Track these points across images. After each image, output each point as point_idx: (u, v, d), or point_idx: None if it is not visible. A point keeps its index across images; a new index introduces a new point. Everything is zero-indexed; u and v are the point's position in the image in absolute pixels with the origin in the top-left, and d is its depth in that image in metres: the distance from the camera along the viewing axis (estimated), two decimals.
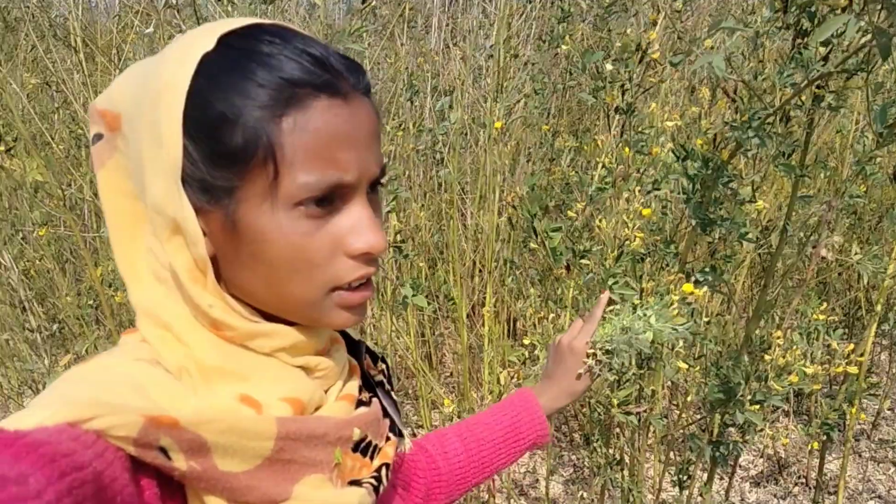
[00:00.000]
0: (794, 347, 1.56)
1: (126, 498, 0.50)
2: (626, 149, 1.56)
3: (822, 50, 1.24)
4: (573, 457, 3.44)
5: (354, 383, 0.71)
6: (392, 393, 0.80)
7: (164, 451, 0.52)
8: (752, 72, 1.34)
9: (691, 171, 1.48)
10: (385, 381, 0.80)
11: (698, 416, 1.90)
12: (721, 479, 3.29)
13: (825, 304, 1.75)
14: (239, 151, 0.57)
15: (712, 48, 1.45)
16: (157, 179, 0.58)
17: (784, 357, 1.56)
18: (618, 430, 2.19)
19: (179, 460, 0.52)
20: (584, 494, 3.16)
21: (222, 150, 0.57)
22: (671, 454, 2.78)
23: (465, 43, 3.47)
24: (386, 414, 0.74)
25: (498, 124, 2.29)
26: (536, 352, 1.81)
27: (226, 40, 0.59)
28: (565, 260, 1.66)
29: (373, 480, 0.66)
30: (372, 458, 0.68)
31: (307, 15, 2.94)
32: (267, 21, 0.61)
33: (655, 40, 1.60)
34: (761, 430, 1.70)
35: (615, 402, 1.60)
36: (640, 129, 1.55)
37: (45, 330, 2.98)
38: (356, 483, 0.65)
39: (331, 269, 0.62)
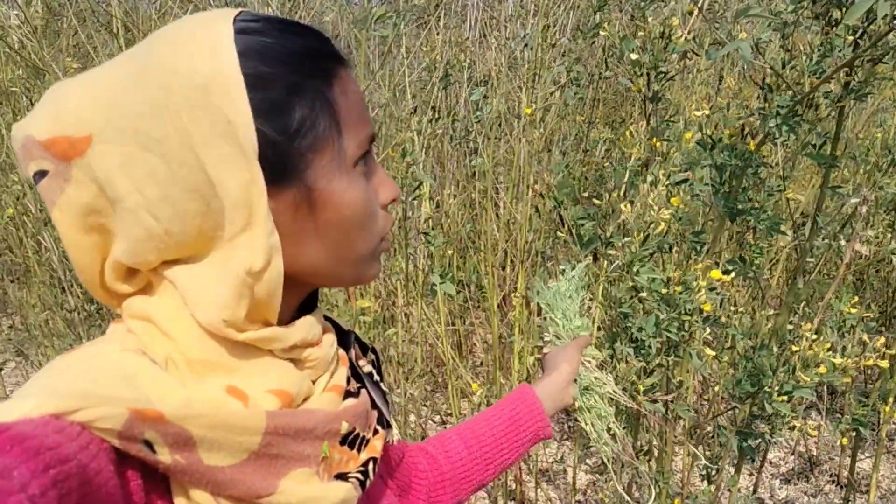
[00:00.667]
0: (822, 339, 1.55)
1: (110, 490, 0.50)
2: (654, 139, 1.56)
3: (850, 38, 1.23)
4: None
5: (343, 373, 0.71)
6: (381, 384, 0.79)
7: (148, 444, 0.51)
8: (781, 61, 1.33)
9: (719, 160, 1.47)
10: (374, 371, 0.79)
11: (726, 408, 1.90)
12: (751, 474, 3.27)
13: (857, 298, 1.73)
14: (308, 124, 0.59)
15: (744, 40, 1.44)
16: (233, 174, 0.56)
17: (811, 348, 1.55)
18: (646, 421, 2.19)
19: (164, 454, 0.52)
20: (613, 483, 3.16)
21: (294, 125, 0.58)
22: (700, 448, 2.77)
23: (501, 32, 3.46)
24: (374, 405, 0.73)
25: (528, 110, 2.29)
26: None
27: (244, 26, 0.59)
28: (592, 248, 1.66)
29: (359, 475, 0.66)
30: (359, 450, 0.68)
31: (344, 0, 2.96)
32: (244, 10, 0.62)
33: (684, 28, 1.59)
34: (789, 422, 1.69)
35: (641, 388, 1.61)
36: (667, 118, 1.55)
37: (84, 310, 3.04)
38: (343, 477, 0.65)
39: (379, 220, 0.67)
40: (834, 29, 1.29)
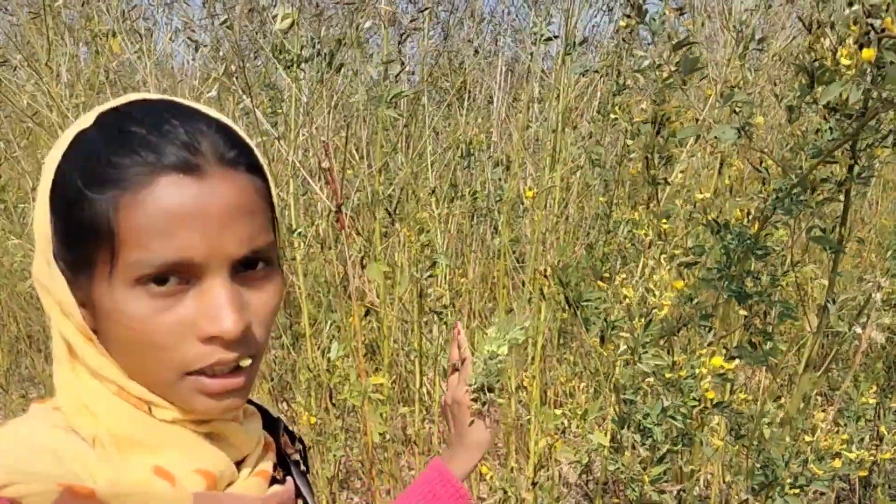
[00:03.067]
0: (836, 430, 1.49)
1: None
2: (658, 220, 1.54)
3: (846, 122, 1.22)
4: None
5: (269, 461, 0.70)
6: (307, 474, 0.78)
7: None
8: (782, 144, 1.32)
9: (725, 243, 1.45)
10: (301, 461, 0.78)
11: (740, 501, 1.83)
12: None
13: (874, 387, 1.67)
14: (86, 229, 0.56)
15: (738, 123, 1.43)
16: (38, 256, 0.60)
17: (826, 439, 1.49)
18: None
19: None
20: None
21: (74, 228, 0.57)
22: None
23: (524, 114, 3.51)
24: (299, 494, 0.73)
25: (529, 194, 2.30)
26: (569, 423, 1.77)
27: (103, 118, 0.59)
28: (598, 330, 1.64)
29: None
30: None
31: (371, 83, 3.01)
32: (155, 97, 0.61)
33: (700, 111, 1.59)
34: None
35: (646, 479, 1.55)
36: (668, 201, 1.54)
37: None
38: None
39: (179, 352, 0.59)
40: (833, 114, 1.28)
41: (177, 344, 0.58)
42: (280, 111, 2.91)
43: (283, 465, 0.74)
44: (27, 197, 3.44)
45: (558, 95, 2.84)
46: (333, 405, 2.60)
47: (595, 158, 2.89)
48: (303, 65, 2.59)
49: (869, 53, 1.03)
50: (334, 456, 2.36)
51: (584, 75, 2.60)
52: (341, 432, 2.72)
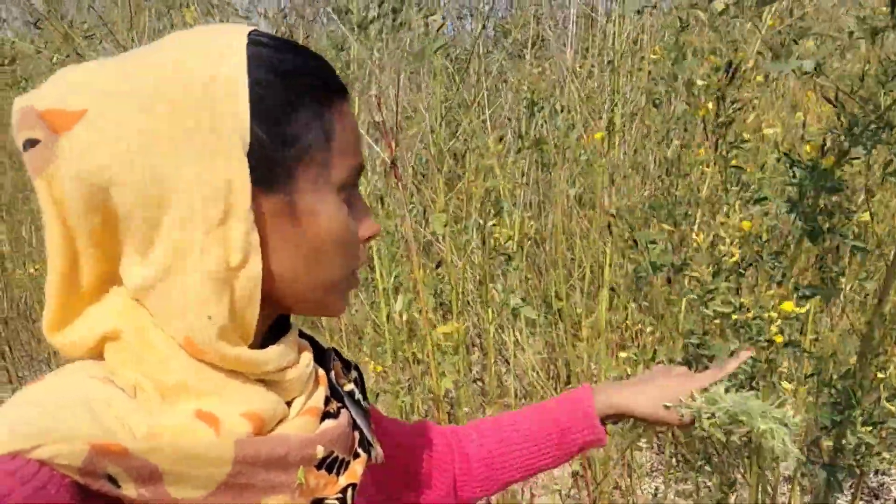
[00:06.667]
0: None
1: None
2: (733, 161, 1.50)
3: None
4: (707, 481, 3.31)
5: (320, 394, 0.69)
6: (363, 402, 0.76)
7: (112, 478, 0.50)
8: (862, 73, 1.25)
9: (798, 178, 1.40)
10: (356, 390, 0.76)
11: (813, 439, 1.81)
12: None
13: None
14: (301, 137, 0.61)
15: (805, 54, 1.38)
16: (213, 167, 0.57)
17: None
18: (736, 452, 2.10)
19: (129, 488, 0.51)
20: None
21: (285, 136, 0.60)
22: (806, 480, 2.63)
23: (588, 60, 3.45)
24: (355, 425, 0.71)
25: (599, 135, 2.27)
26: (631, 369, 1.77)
27: (250, 38, 0.60)
28: (667, 273, 1.62)
29: (336, 502, 0.65)
30: (339, 474, 0.66)
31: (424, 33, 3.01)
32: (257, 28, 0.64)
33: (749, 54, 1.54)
34: (879, 453, 1.59)
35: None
36: (735, 143, 1.48)
37: None
38: (320, 503, 0.64)
39: (357, 250, 0.68)
40: None
41: (356, 243, 0.68)
42: (348, 72, 2.93)
43: (337, 396, 0.73)
44: None
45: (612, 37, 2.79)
46: (417, 361, 2.64)
47: (656, 99, 2.83)
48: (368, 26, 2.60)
49: None
50: (401, 404, 2.42)
51: (639, 13, 2.51)
52: (417, 383, 2.76)
